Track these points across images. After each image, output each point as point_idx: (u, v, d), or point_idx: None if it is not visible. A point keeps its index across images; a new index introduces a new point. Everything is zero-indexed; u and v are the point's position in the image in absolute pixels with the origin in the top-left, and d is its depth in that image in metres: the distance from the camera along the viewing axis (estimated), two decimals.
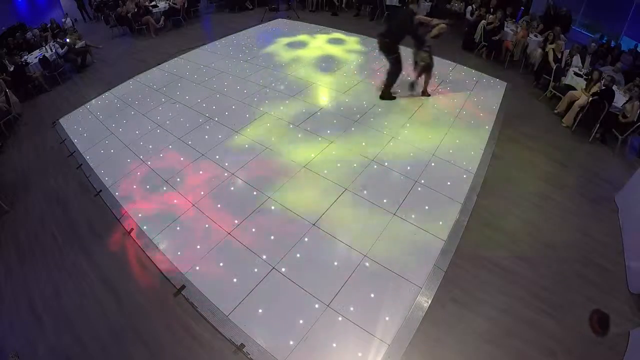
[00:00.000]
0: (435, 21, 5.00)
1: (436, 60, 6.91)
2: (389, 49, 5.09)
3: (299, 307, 2.88)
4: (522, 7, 8.91)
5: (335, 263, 3.20)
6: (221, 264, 3.23)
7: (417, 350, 2.65)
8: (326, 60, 6.90)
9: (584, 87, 5.39)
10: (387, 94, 5.55)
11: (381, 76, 6.29)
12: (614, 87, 5.05)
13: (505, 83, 6.28)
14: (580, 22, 8.77)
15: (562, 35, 6.62)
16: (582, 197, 4.11)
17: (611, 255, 3.47)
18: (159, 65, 6.96)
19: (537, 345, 2.73)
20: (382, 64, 6.68)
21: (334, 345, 2.64)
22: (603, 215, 3.91)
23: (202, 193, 3.96)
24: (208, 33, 8.98)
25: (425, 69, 5.40)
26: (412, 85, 5.69)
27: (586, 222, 3.80)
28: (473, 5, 8.01)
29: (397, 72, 5.36)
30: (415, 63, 5.36)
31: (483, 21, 7.32)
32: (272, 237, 3.44)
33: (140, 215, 3.78)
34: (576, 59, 6.17)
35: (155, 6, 9.32)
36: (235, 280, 3.09)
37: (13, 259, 3.56)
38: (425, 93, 5.72)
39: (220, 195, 3.93)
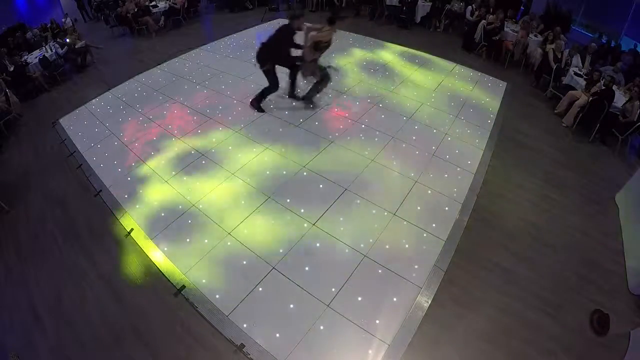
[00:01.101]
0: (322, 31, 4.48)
1: (436, 60, 6.99)
2: (261, 60, 4.63)
3: (299, 307, 2.88)
4: (522, 7, 8.91)
5: (335, 263, 3.20)
6: (221, 264, 3.23)
7: (417, 350, 2.65)
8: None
9: (584, 87, 5.39)
10: (255, 104, 5.17)
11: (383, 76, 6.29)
12: (614, 87, 5.05)
13: (505, 83, 6.28)
14: (580, 22, 8.76)
15: (562, 35, 6.63)
16: (582, 197, 4.12)
17: (611, 255, 3.47)
18: (159, 65, 6.96)
19: (537, 345, 2.73)
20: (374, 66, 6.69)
21: (334, 345, 2.64)
22: (603, 215, 3.92)
23: (203, 193, 3.96)
24: (208, 33, 8.98)
25: (319, 80, 4.94)
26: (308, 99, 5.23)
27: (586, 222, 3.80)
28: (473, 5, 8.00)
29: (270, 88, 4.92)
30: (304, 76, 4.91)
31: (483, 21, 7.32)
32: (272, 237, 3.44)
33: (140, 215, 3.78)
34: (576, 59, 6.18)
35: (155, 6, 9.32)
36: (235, 280, 3.09)
37: (13, 259, 3.56)
38: (307, 99, 5.18)
39: (221, 195, 3.93)
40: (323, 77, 4.89)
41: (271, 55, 4.61)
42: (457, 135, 4.83)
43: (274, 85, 4.94)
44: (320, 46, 4.45)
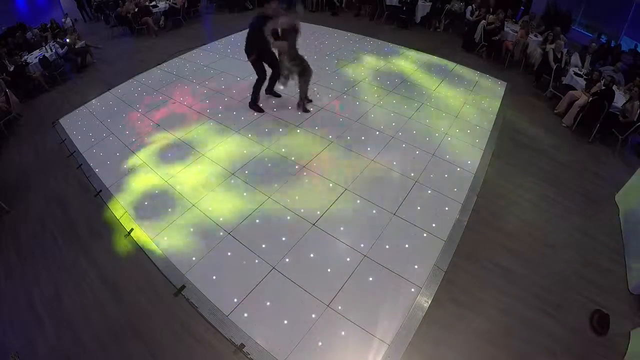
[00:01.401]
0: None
1: (436, 60, 6.99)
2: (246, 51, 4.73)
3: (299, 307, 2.88)
4: (522, 7, 8.92)
5: (335, 263, 3.20)
6: (221, 264, 3.23)
7: (417, 350, 2.65)
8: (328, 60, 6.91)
9: (584, 87, 5.40)
10: (253, 105, 5.23)
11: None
12: (614, 87, 5.06)
13: (505, 83, 6.28)
14: (580, 22, 8.77)
15: (562, 35, 6.63)
16: (582, 197, 4.12)
17: (611, 255, 3.47)
18: (159, 65, 6.96)
19: (537, 345, 2.73)
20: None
21: (334, 345, 2.64)
22: (603, 215, 3.92)
23: (203, 193, 3.96)
24: (208, 33, 8.98)
25: (300, 81, 4.81)
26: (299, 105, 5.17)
27: (586, 222, 3.80)
28: (473, 5, 8.01)
29: (258, 80, 5.01)
30: (284, 75, 4.75)
31: (483, 21, 7.32)
32: (273, 237, 3.44)
33: (140, 215, 3.78)
34: (575, 57, 6.19)
35: (155, 6, 9.33)
36: (235, 280, 3.09)
37: (13, 259, 3.56)
38: (300, 106, 5.13)
39: (220, 194, 3.93)
40: (302, 71, 4.72)
41: (252, 45, 4.64)
42: (457, 135, 4.83)
43: (261, 76, 4.96)
44: (285, 33, 4.35)
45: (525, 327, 2.83)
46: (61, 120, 5.57)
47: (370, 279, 3.07)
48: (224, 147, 4.61)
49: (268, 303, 2.91)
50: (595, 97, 4.98)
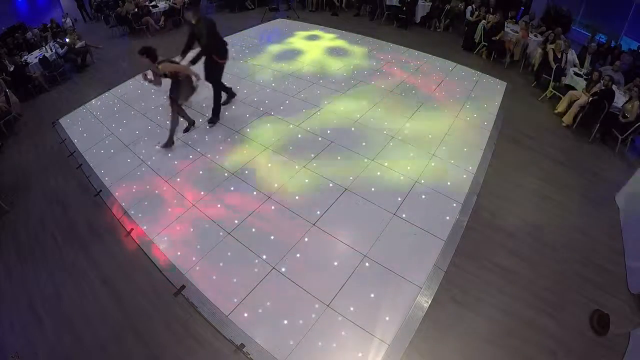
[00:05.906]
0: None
1: (436, 60, 6.99)
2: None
3: (299, 307, 2.88)
4: (522, 7, 8.92)
5: (335, 263, 3.19)
6: (221, 264, 3.23)
7: (417, 350, 2.65)
8: (327, 59, 6.90)
9: (584, 87, 5.40)
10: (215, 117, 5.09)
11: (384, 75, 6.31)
12: (614, 87, 5.05)
13: (505, 83, 6.28)
14: (580, 22, 8.77)
15: (562, 36, 6.63)
16: (582, 197, 4.12)
17: (611, 255, 3.47)
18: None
19: (537, 345, 2.73)
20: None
21: (334, 345, 2.64)
22: (603, 215, 3.91)
23: (203, 193, 3.96)
24: None
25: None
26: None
27: (586, 222, 3.80)
28: (473, 5, 8.01)
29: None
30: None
31: (483, 21, 7.32)
32: (272, 237, 3.44)
33: (140, 215, 3.78)
34: (571, 54, 6.20)
35: (155, 6, 9.33)
36: (235, 280, 3.09)
37: (13, 259, 3.56)
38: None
39: (220, 195, 3.93)
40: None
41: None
42: (457, 135, 4.82)
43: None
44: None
45: (525, 327, 2.83)
46: (61, 120, 5.57)
47: (371, 278, 3.07)
48: (224, 147, 4.61)
49: (268, 303, 2.91)
50: (595, 97, 4.99)
